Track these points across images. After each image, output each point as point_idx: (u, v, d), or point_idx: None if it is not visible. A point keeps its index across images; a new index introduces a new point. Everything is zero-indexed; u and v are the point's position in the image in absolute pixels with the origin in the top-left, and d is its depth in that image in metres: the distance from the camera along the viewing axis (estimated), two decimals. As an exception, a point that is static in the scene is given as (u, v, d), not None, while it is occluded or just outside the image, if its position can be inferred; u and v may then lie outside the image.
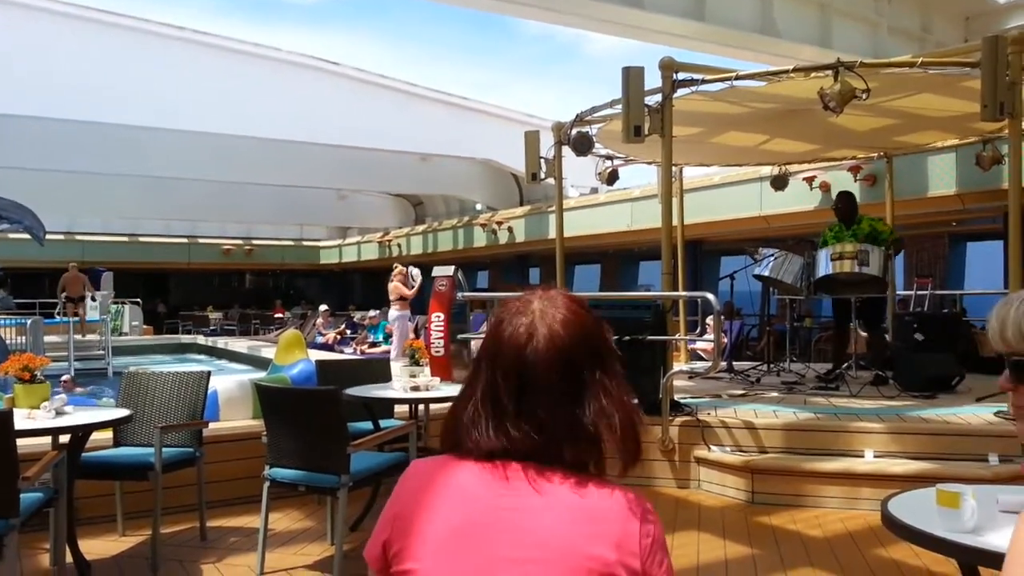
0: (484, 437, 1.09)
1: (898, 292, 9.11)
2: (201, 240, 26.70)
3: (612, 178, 8.62)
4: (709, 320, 7.51)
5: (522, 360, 1.10)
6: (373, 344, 14.19)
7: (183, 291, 28.85)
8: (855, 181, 10.23)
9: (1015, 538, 0.89)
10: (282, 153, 17.71)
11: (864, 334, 7.29)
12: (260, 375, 6.23)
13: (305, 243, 28.64)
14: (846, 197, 7.26)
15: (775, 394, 6.51)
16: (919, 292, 10.08)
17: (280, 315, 22.89)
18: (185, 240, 26.50)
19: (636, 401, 1.16)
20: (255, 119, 14.70)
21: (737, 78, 5.93)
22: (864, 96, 5.29)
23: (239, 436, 4.93)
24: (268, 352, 9.67)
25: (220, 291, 29.36)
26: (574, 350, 1.11)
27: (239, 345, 15.11)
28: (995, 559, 1.85)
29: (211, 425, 4.55)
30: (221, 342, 16.48)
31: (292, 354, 5.73)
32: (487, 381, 1.12)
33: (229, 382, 5.56)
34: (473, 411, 1.12)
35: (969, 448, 4.86)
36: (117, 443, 4.22)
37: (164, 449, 3.89)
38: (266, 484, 3.72)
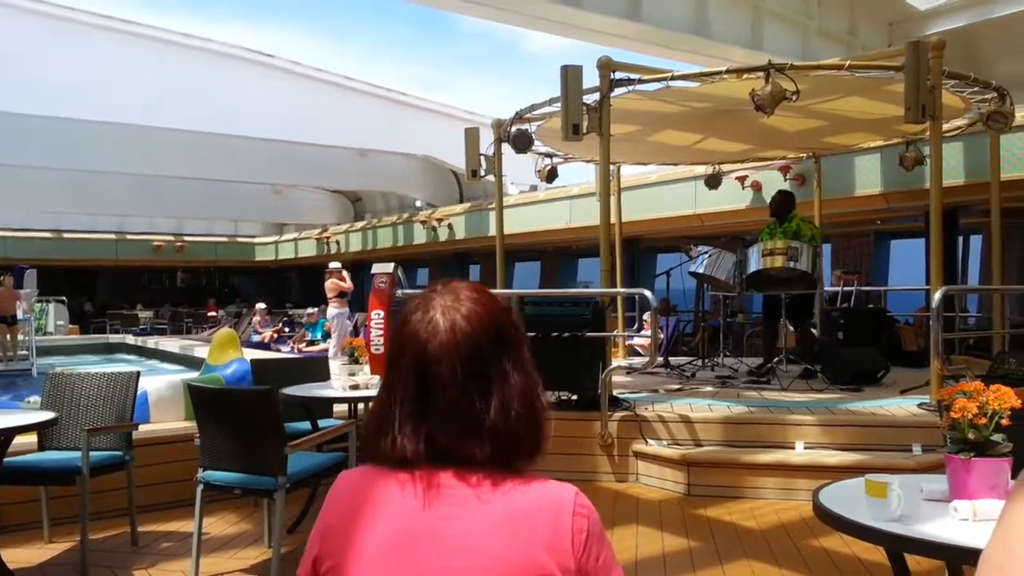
0: (401, 443, 1.05)
1: (825, 288, 9.41)
2: (130, 236, 25.82)
3: (551, 176, 8.67)
4: (646, 316, 7.63)
5: (425, 357, 1.06)
6: (311, 342, 13.99)
7: (111, 289, 27.88)
8: (785, 180, 10.50)
9: (1007, 511, 0.91)
10: (215, 147, 17.26)
11: (793, 329, 7.52)
12: (193, 375, 6.08)
13: (240, 239, 27.98)
14: (782, 195, 7.50)
15: (710, 388, 6.66)
16: (845, 288, 10.42)
17: (213, 313, 22.35)
18: (113, 236, 25.58)
19: (543, 389, 1.12)
20: (186, 112, 14.28)
21: (672, 78, 6.05)
22: (794, 98, 5.45)
23: (171, 438, 4.80)
24: (201, 352, 9.44)
25: (150, 289, 28.49)
26: (478, 340, 1.07)
27: (170, 345, 14.73)
28: (920, 546, 1.93)
29: (141, 427, 4.42)
30: (151, 342, 16.05)
31: (226, 353, 5.61)
32: (396, 384, 1.09)
33: (160, 383, 5.42)
34: (386, 417, 1.08)
35: (894, 439, 5.06)
36: (42, 447, 4.06)
37: (92, 453, 3.77)
38: (200, 487, 3.63)
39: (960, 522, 1.94)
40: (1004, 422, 2.03)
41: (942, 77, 5.60)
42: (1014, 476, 2.06)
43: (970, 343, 9.15)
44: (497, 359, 1.08)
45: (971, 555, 1.81)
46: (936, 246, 5.76)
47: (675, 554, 3.89)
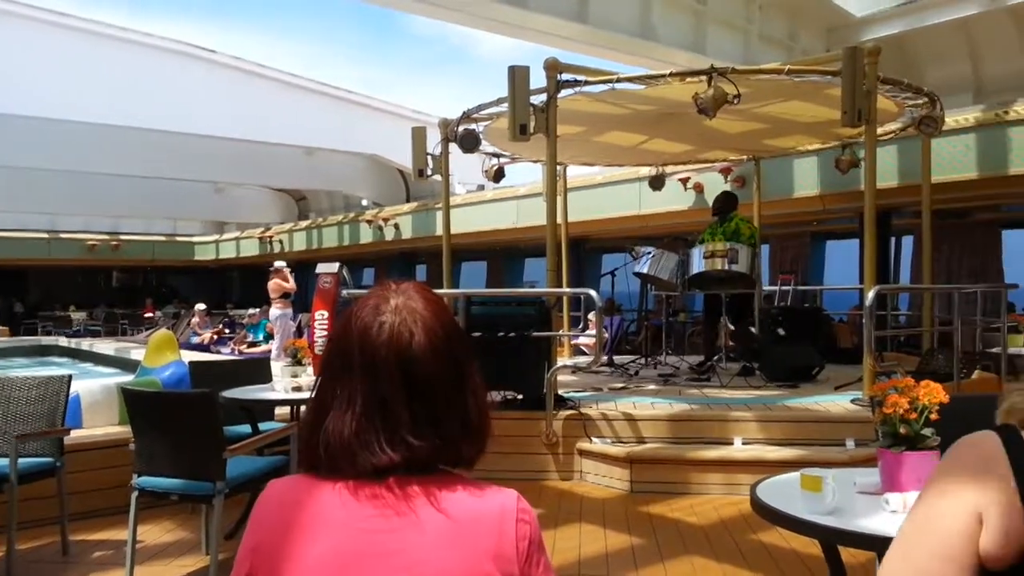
0: (378, 453, 1.00)
1: (764, 288, 9.62)
2: (63, 235, 24.94)
3: (498, 176, 8.68)
4: (591, 316, 7.68)
5: (408, 360, 1.02)
6: (253, 344, 13.72)
7: (43, 289, 26.91)
8: (726, 182, 10.71)
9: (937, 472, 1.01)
10: (153, 143, 16.78)
11: (732, 328, 7.68)
12: (128, 378, 5.91)
13: (179, 238, 27.29)
14: (726, 195, 7.69)
15: (653, 386, 6.74)
16: (783, 288, 10.67)
17: (150, 314, 21.77)
18: (45, 235, 24.68)
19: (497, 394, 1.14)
20: (123, 107, 13.85)
21: (618, 80, 6.11)
22: (736, 101, 5.55)
23: (104, 444, 4.65)
24: (137, 354, 9.17)
25: (84, 289, 27.55)
26: (451, 342, 1.06)
27: (105, 347, 14.29)
28: (853, 538, 1.98)
29: (73, 433, 4.27)
30: (85, 344, 15.53)
31: (163, 355, 5.47)
32: (368, 390, 1.02)
33: (93, 386, 5.25)
34: (357, 426, 1.01)
35: (829, 434, 5.19)
36: (-35, 454, 3.89)
37: (21, 459, 3.64)
38: (134, 494, 3.53)
39: (891, 514, 2.00)
40: (933, 417, 2.10)
41: (877, 82, 5.78)
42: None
43: (901, 340, 9.46)
44: (466, 359, 1.08)
45: (901, 546, 1.87)
46: (870, 246, 5.94)
47: (618, 553, 3.93)
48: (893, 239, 11.54)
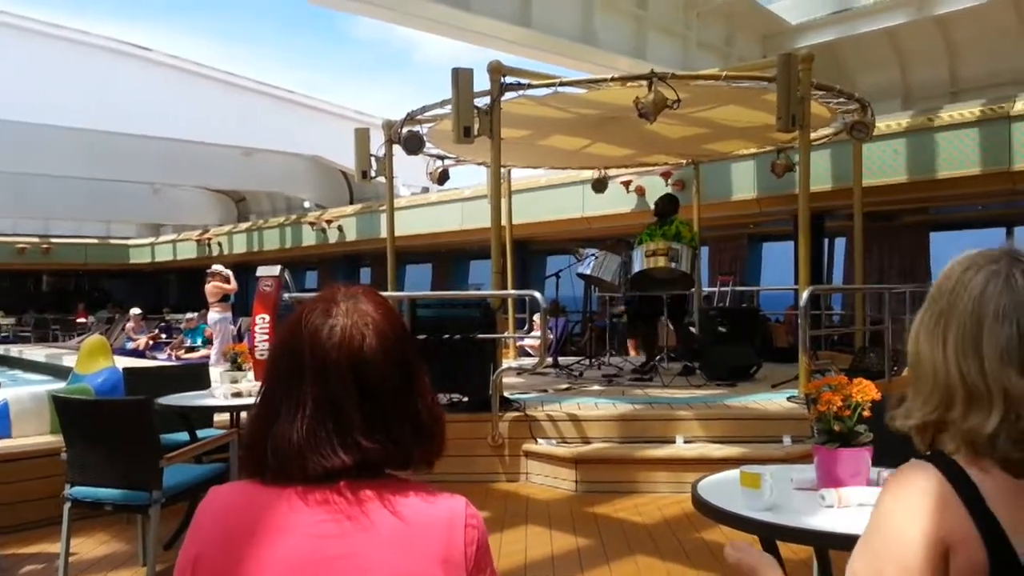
0: (330, 456, 0.98)
1: (703, 289, 9.80)
2: (-10, 238, 24.01)
3: (443, 178, 8.66)
4: (536, 317, 7.72)
5: (360, 363, 1.02)
6: (191, 349, 13.40)
7: (-33, 294, 25.83)
8: (667, 185, 10.88)
9: (876, 508, 1.00)
10: (87, 143, 16.26)
11: (672, 328, 7.82)
12: (59, 386, 5.71)
13: (112, 241, 26.46)
14: (668, 197, 7.82)
15: (597, 387, 6.81)
16: (722, 289, 10.89)
17: (83, 320, 21.09)
18: (-30, 238, 23.73)
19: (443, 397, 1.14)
20: (54, 106, 13.36)
21: (561, 84, 6.16)
22: (675, 106, 5.65)
23: (34, 453, 4.48)
24: (69, 360, 8.90)
25: (13, 294, 26.46)
26: (402, 345, 1.06)
27: (35, 353, 13.85)
28: (792, 534, 2.03)
29: (1, 443, 4.11)
30: (14, 350, 15.04)
31: (96, 362, 5.28)
32: (319, 393, 1.01)
33: (22, 394, 5.07)
34: (307, 429, 0.99)
35: (767, 431, 5.32)
36: None
37: (-58, 473, 3.47)
38: (67, 505, 3.42)
39: (827, 509, 2.05)
40: (866, 414, 2.17)
41: (810, 88, 5.95)
42: (874, 464, 2.21)
43: (835, 339, 9.74)
44: (417, 361, 1.08)
45: (837, 540, 1.93)
46: (804, 248, 6.11)
47: (564, 555, 3.93)
48: (826, 241, 11.87)
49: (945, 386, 0.99)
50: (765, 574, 1.20)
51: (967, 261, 1.03)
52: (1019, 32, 10.80)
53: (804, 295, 5.74)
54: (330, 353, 1.02)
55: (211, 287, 11.36)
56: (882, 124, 8.40)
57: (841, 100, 6.87)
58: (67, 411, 3.54)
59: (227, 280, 11.48)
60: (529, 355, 9.68)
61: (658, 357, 7.39)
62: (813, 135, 6.89)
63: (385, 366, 1.03)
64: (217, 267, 11.77)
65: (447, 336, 5.53)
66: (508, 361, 7.53)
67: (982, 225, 12.18)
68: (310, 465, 0.99)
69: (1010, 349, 0.95)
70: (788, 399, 5.81)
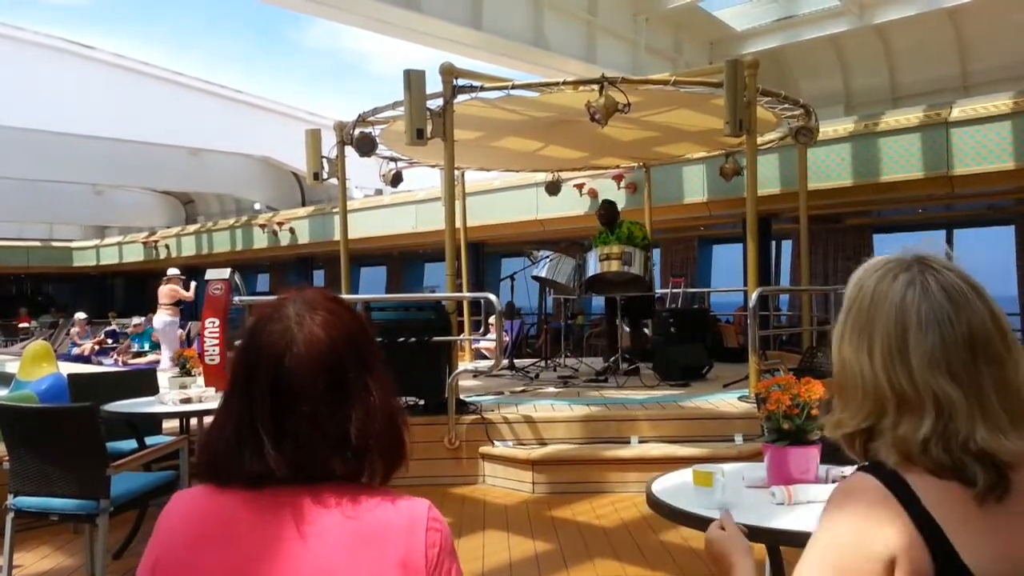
0: (250, 461, 0.99)
1: (656, 291, 9.93)
2: (-74, 241, 23.11)
3: (396, 180, 8.62)
4: (492, 320, 7.73)
5: (281, 370, 1.01)
6: (138, 354, 13.08)
7: (-99, 299, 24.82)
8: (619, 188, 11.00)
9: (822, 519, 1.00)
10: (26, 143, 15.76)
11: (628, 330, 7.91)
12: (1, 393, 5.53)
13: (55, 244, 25.68)
14: (607, 204, 7.92)
15: (552, 389, 6.85)
16: (674, 290, 11.04)
17: (25, 324, 20.44)
18: (-96, 241, 22.81)
19: (401, 401, 1.11)
20: (-9, 105, 12.95)
21: (513, 87, 6.19)
22: (626, 110, 5.71)
23: (-26, 464, 4.33)
24: (11, 367, 8.62)
25: (-50, 299, 25.59)
26: (337, 353, 1.04)
27: (-27, 360, 13.30)
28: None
29: (-62, 454, 3.96)
30: (-50, 357, 14.43)
31: (39, 368, 5.13)
32: (246, 398, 1.02)
33: (-40, 403, 4.88)
34: (234, 433, 1.01)
35: (719, 430, 5.42)
36: None
37: None
38: (10, 515, 3.32)
39: (777, 506, 2.11)
40: (814, 412, 2.23)
41: (757, 94, 6.08)
42: (823, 462, 2.27)
43: (783, 339, 9.96)
44: (357, 370, 1.05)
45: (787, 537, 1.98)
46: (752, 250, 6.24)
47: (522, 561, 3.91)
48: (774, 243, 12.12)
49: (875, 395, 1.00)
50: (736, 559, 1.21)
51: (882, 269, 1.04)
52: (955, 42, 11.19)
53: (753, 296, 5.86)
54: (261, 358, 1.03)
55: (168, 289, 11.15)
56: (828, 129, 8.62)
57: (786, 106, 7.03)
58: (10, 419, 3.44)
59: (186, 287, 11.33)
60: (485, 357, 9.68)
61: (613, 359, 7.47)
62: (760, 140, 7.03)
63: (312, 375, 1.02)
64: (174, 271, 11.57)
65: (402, 339, 5.51)
66: (464, 364, 7.52)
67: (923, 227, 12.58)
68: (234, 468, 1.00)
69: (936, 356, 0.97)
70: (740, 399, 5.92)
